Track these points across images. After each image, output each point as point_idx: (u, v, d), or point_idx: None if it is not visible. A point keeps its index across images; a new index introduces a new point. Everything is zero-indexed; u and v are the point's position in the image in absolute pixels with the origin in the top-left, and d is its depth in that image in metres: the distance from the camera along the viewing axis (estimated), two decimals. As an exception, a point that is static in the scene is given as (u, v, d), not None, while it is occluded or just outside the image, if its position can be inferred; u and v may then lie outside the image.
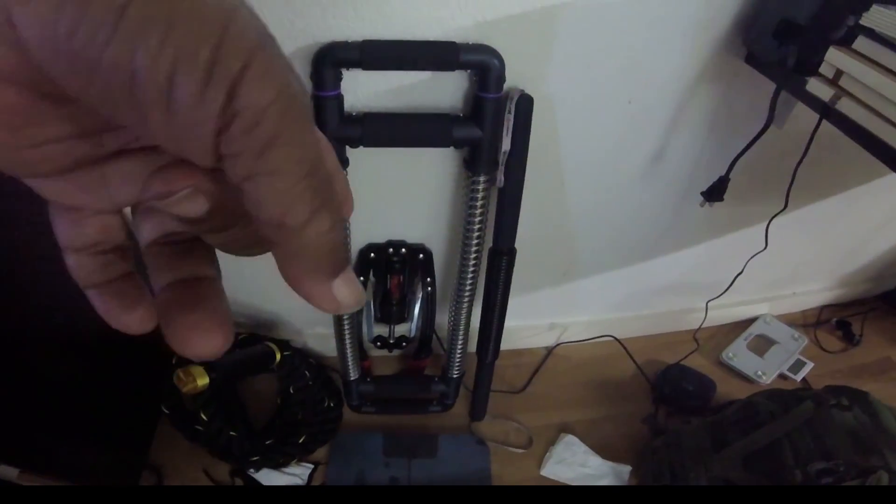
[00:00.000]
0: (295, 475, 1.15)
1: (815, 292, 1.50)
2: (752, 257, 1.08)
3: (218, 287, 0.20)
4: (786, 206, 0.94)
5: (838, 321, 1.50)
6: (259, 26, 0.14)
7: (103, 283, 0.20)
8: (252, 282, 1.13)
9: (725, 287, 1.14)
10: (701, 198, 0.94)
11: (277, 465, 1.14)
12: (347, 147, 0.87)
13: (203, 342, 0.18)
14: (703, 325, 1.39)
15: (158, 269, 0.20)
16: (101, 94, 0.13)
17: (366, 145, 0.86)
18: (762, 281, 1.37)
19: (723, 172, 0.90)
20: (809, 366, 1.39)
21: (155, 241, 0.20)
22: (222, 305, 0.20)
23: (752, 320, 1.47)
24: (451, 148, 0.91)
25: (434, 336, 1.19)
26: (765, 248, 1.02)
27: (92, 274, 0.20)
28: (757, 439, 1.00)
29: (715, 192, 0.93)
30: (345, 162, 0.87)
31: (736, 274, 1.11)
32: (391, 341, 1.15)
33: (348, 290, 0.17)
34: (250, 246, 0.19)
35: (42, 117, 0.15)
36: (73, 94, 0.14)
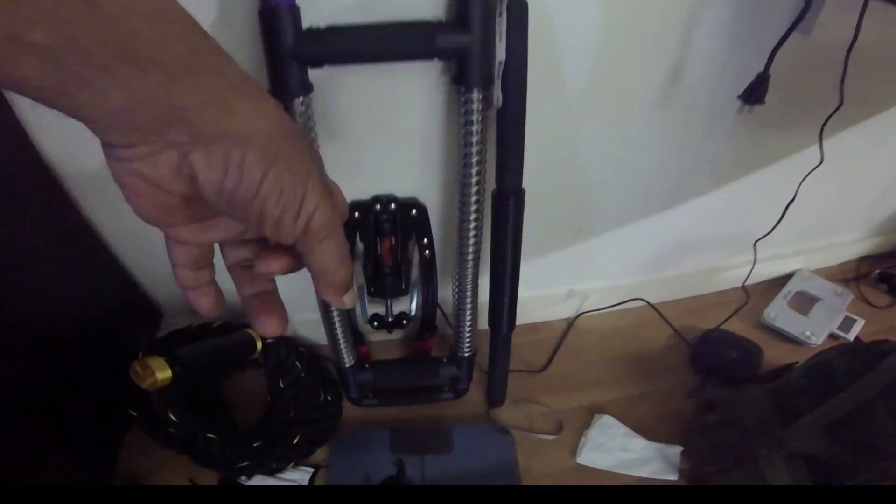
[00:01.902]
0: (293, 481, 0.89)
1: (852, 242, 1.22)
2: (805, 177, 0.80)
3: (277, 295, 0.31)
4: (841, 102, 0.68)
5: (881, 273, 1.22)
6: (323, 177, 0.25)
7: (197, 286, 0.29)
8: (222, 261, 0.88)
9: (775, 222, 0.86)
10: (738, 102, 0.69)
11: (272, 472, 0.88)
12: (310, 70, 0.63)
13: (276, 329, 0.30)
14: (732, 285, 1.12)
15: (241, 284, 0.30)
16: (238, 213, 0.23)
17: (331, 63, 0.62)
18: (795, 230, 1.10)
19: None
20: (860, 323, 1.11)
21: (235, 264, 0.30)
22: (282, 306, 0.31)
23: (787, 277, 1.20)
24: (437, 64, 0.66)
25: (439, 312, 0.93)
26: (820, 161, 0.75)
27: (190, 281, 0.29)
28: (840, 404, 0.73)
29: (754, 93, 0.68)
30: (308, 87, 0.62)
31: (788, 202, 0.83)
32: (389, 320, 0.88)
33: (350, 298, 0.28)
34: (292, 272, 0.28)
35: (183, 207, 0.24)
36: (217, 208, 0.24)
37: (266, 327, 0.29)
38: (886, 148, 0.97)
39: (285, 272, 0.27)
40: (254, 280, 0.30)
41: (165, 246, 0.27)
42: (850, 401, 0.72)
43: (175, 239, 0.27)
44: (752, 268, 0.95)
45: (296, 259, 0.26)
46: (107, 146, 0.21)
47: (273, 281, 0.30)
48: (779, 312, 1.12)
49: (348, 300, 0.28)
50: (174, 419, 0.80)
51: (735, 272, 1.06)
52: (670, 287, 1.12)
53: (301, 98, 0.61)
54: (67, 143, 0.69)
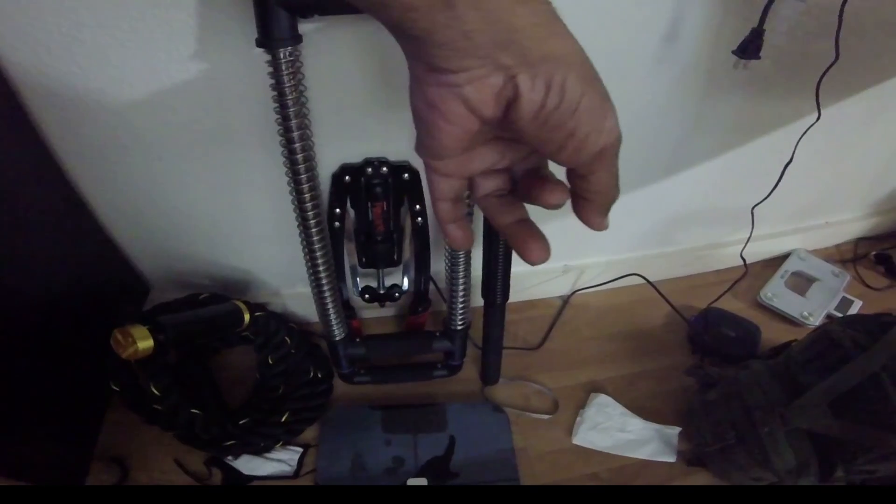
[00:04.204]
0: (282, 461, 0.84)
1: (849, 222, 1.19)
2: (802, 135, 0.76)
3: (533, 223, 0.30)
4: (837, 56, 0.65)
5: (877, 255, 1.19)
6: (615, 116, 0.25)
7: (456, 219, 0.31)
8: (212, 234, 0.83)
9: (770, 189, 0.83)
10: (734, 58, 0.65)
11: (259, 451, 0.83)
12: (301, 22, 0.58)
13: (545, 255, 0.29)
14: (731, 264, 1.09)
15: (497, 213, 0.30)
16: (546, 134, 0.24)
17: (321, 13, 0.57)
18: (793, 204, 1.06)
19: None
20: (858, 304, 1.08)
21: (488, 194, 0.30)
22: (542, 233, 0.30)
23: (784, 257, 1.16)
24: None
25: (432, 287, 0.89)
26: (818, 118, 0.71)
27: (449, 214, 0.30)
28: (845, 378, 0.69)
29: (749, 47, 0.64)
30: (296, 38, 0.57)
31: (785, 164, 0.79)
32: (381, 292, 0.84)
33: (608, 220, 0.28)
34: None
35: (474, 135, 0.26)
36: (518, 135, 0.25)
37: (535, 254, 0.29)
38: (884, 120, 0.94)
39: (563, 203, 0.28)
40: (511, 209, 0.30)
41: (427, 182, 0.30)
42: (855, 374, 0.68)
43: (442, 173, 0.29)
44: (750, 236, 0.91)
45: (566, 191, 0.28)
46: (436, 72, 0.23)
47: (525, 209, 0.31)
48: (776, 292, 1.08)
49: (608, 221, 0.29)
50: (157, 393, 0.75)
51: (733, 248, 1.01)
52: (667, 264, 1.08)
53: (289, 49, 0.57)
54: (58, 106, 0.64)
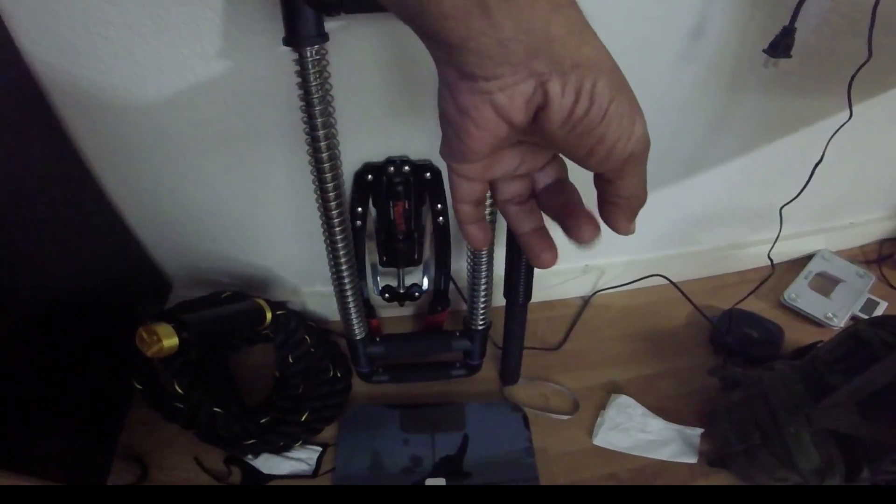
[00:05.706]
0: (300, 460, 0.86)
1: (874, 222, 1.18)
2: (834, 134, 0.76)
3: (548, 232, 0.32)
4: (870, 55, 0.65)
5: (903, 256, 1.19)
6: (644, 122, 0.25)
7: (476, 220, 0.32)
8: (234, 232, 0.84)
9: (800, 188, 0.83)
10: (764, 57, 0.66)
11: (278, 450, 0.85)
12: (326, 20, 0.59)
13: (552, 262, 0.31)
14: (754, 265, 1.08)
15: (517, 220, 0.32)
16: (575, 140, 0.24)
17: (347, 11, 0.58)
18: (819, 204, 1.06)
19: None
20: (884, 305, 1.07)
21: (508, 200, 0.31)
22: (552, 239, 0.31)
23: (808, 258, 1.16)
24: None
25: (452, 286, 0.89)
26: (850, 117, 0.71)
27: (470, 216, 0.31)
28: (873, 378, 0.69)
29: (779, 45, 0.64)
30: (323, 36, 0.58)
31: (815, 164, 0.79)
32: (401, 291, 0.85)
33: (634, 225, 0.29)
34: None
35: (502, 140, 0.26)
36: (547, 141, 0.26)
37: (546, 262, 0.31)
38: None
39: (594, 241, 0.29)
40: (529, 217, 0.32)
41: (449, 184, 0.30)
42: (884, 374, 0.68)
43: (465, 176, 0.29)
44: (778, 236, 0.91)
45: (596, 226, 0.29)
46: (468, 79, 0.23)
47: (542, 216, 0.32)
48: (800, 293, 1.08)
49: (634, 226, 0.29)
50: (179, 391, 0.76)
51: (756, 249, 1.02)
52: (689, 264, 1.08)
53: (316, 47, 0.58)
54: (84, 104, 0.65)
